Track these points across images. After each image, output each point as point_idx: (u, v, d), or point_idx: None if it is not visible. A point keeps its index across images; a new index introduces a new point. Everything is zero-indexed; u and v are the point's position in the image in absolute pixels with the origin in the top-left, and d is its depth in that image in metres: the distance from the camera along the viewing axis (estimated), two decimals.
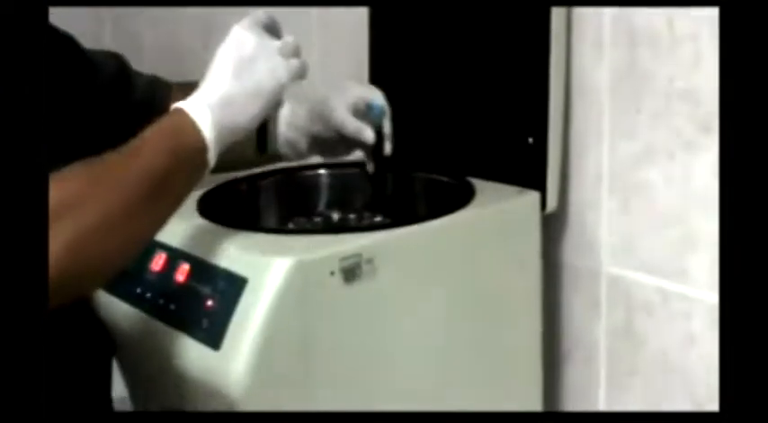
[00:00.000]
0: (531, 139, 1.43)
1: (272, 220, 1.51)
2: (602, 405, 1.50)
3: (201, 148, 1.16)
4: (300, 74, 1.25)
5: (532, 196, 1.43)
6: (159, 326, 1.27)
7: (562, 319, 1.52)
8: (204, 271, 1.25)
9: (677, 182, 1.35)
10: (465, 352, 1.38)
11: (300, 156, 1.46)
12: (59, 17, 1.35)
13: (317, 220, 1.50)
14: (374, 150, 1.44)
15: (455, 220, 1.35)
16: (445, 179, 1.49)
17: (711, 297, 1.33)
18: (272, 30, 1.28)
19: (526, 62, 1.43)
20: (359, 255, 1.24)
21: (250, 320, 1.18)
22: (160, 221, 1.15)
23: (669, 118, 1.35)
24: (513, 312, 1.43)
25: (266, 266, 1.20)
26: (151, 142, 1.15)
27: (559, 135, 1.44)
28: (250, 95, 1.21)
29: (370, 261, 1.25)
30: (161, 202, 1.14)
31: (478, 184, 1.44)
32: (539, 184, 1.43)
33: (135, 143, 1.13)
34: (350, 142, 1.44)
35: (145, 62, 1.62)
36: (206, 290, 1.24)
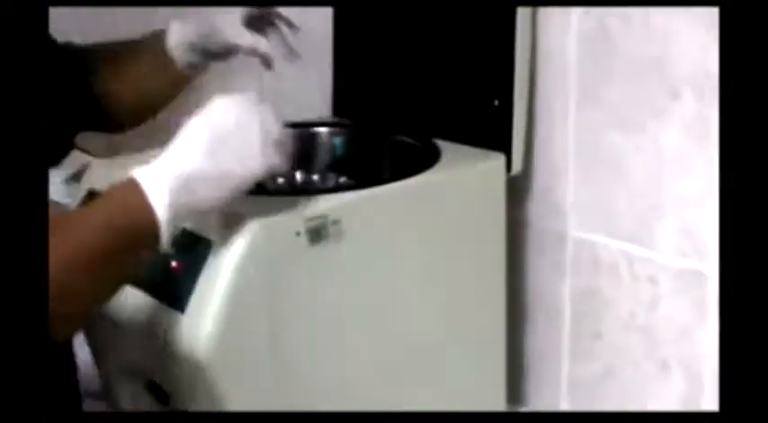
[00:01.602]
0: (496, 102, 1.43)
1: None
2: (566, 368, 1.50)
3: (154, 231, 1.07)
4: (278, 170, 1.17)
5: (498, 159, 1.42)
6: (124, 288, 1.25)
7: (527, 280, 1.53)
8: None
9: (644, 147, 1.34)
10: (430, 313, 1.38)
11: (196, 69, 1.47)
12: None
13: (281, 181, 1.49)
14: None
15: (421, 182, 1.34)
16: (411, 141, 1.48)
17: (677, 262, 1.34)
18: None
19: (492, 24, 1.42)
20: (325, 216, 1.23)
21: (216, 283, 1.17)
22: (101, 297, 1.11)
23: (637, 84, 1.34)
24: (477, 274, 1.43)
25: (232, 228, 1.18)
26: (100, 217, 1.07)
27: (525, 98, 1.43)
28: (215, 180, 1.11)
29: (336, 222, 1.24)
30: (103, 280, 1.08)
31: (444, 145, 1.43)
32: (504, 146, 1.42)
33: (84, 214, 1.10)
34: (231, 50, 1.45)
35: None
36: (171, 252, 1.20)
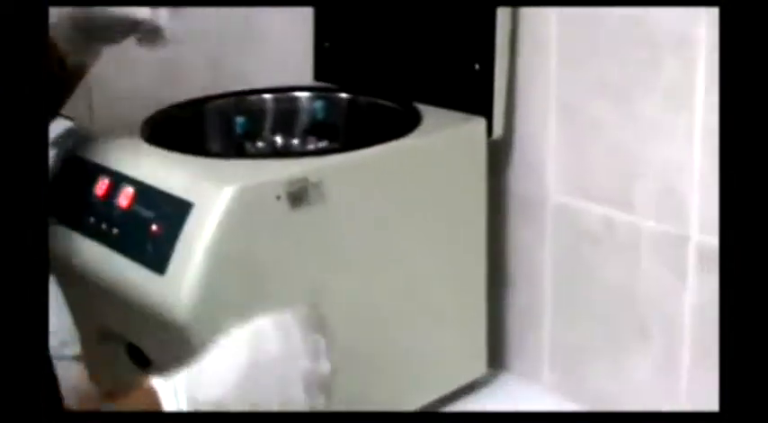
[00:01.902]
0: (477, 66, 1.42)
1: (217, 145, 1.49)
2: (548, 332, 1.51)
3: None
4: (321, 401, 1.02)
5: (478, 123, 1.42)
6: (104, 251, 1.26)
7: (508, 245, 1.53)
8: (148, 196, 1.24)
9: (625, 113, 1.35)
10: (411, 277, 1.38)
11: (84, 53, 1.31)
12: None
13: (262, 144, 1.49)
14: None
15: (402, 146, 1.34)
16: (392, 105, 1.48)
17: (656, 227, 1.34)
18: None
19: None
20: (305, 179, 1.23)
21: (195, 245, 1.17)
22: None
23: (618, 51, 1.34)
24: (459, 237, 1.43)
25: (212, 191, 1.19)
26: None
27: (506, 62, 1.43)
28: (247, 409, 0.98)
29: (317, 186, 1.24)
30: None
31: (425, 109, 1.43)
32: (485, 110, 1.42)
33: None
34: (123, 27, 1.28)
35: None
36: (150, 215, 1.23)
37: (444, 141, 1.40)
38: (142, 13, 1.25)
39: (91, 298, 1.33)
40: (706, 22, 1.23)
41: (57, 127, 2.01)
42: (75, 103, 2.19)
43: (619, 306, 1.41)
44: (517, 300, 1.54)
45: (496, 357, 1.54)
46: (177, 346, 1.18)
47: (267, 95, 1.54)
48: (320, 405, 1.00)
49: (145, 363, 1.31)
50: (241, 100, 1.53)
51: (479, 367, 1.50)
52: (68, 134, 1.44)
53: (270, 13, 1.73)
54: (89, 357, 1.43)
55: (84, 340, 1.42)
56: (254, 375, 0.98)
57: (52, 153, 1.43)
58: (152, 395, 0.95)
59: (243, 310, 1.18)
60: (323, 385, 1.01)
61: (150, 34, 1.28)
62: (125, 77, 2.24)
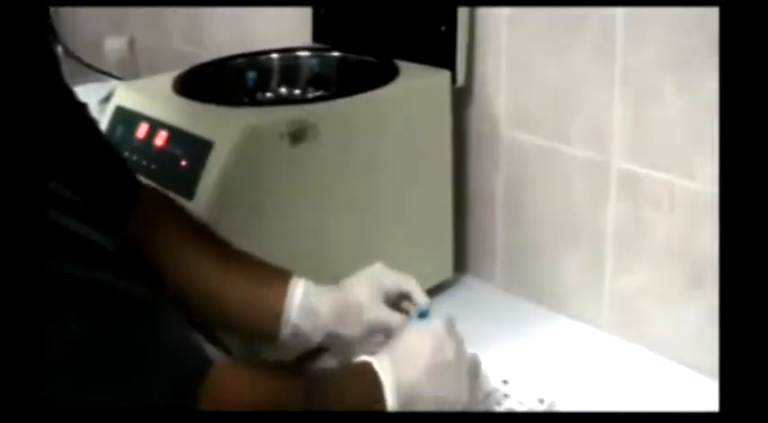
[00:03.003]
0: (443, 28, 1.43)
1: (234, 96, 1.50)
2: (500, 242, 1.53)
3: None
4: (475, 402, 1.05)
5: (444, 74, 1.43)
6: (144, 182, 1.26)
7: (469, 172, 1.54)
8: (179, 137, 1.26)
9: (563, 58, 1.35)
10: (391, 200, 1.40)
11: (305, 347, 1.16)
12: None
13: (269, 94, 1.50)
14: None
15: (382, 94, 1.35)
16: (374, 60, 1.49)
17: (587, 153, 1.35)
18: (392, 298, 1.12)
19: None
20: (304, 120, 1.24)
21: (216, 175, 1.19)
22: None
23: (555, 14, 1.35)
24: (429, 166, 1.45)
25: (227, 131, 1.20)
26: (337, 398, 0.94)
27: (466, 24, 1.43)
28: (433, 403, 0.98)
29: (313, 126, 1.25)
30: None
31: (401, 64, 1.44)
32: (449, 64, 1.43)
33: (332, 397, 0.93)
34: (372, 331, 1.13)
35: None
36: (180, 152, 1.24)
37: (417, 89, 1.41)
38: (395, 321, 1.11)
39: None
40: None
41: (107, 85, 2.04)
42: (127, 67, 2.21)
43: (556, 218, 1.43)
44: (476, 216, 1.55)
45: (459, 263, 1.56)
46: None
47: (274, 55, 1.55)
48: (479, 400, 1.07)
49: None
50: (252, 59, 1.53)
51: (447, 271, 1.52)
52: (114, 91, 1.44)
53: None
54: None
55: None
56: (436, 373, 0.99)
57: (104, 107, 1.44)
58: (370, 366, 0.97)
59: (253, 225, 1.22)
60: (477, 373, 1.07)
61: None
62: (163, 44, 2.26)
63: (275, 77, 1.53)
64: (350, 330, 1.11)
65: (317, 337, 1.12)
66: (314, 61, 1.53)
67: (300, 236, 1.28)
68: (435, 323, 1.04)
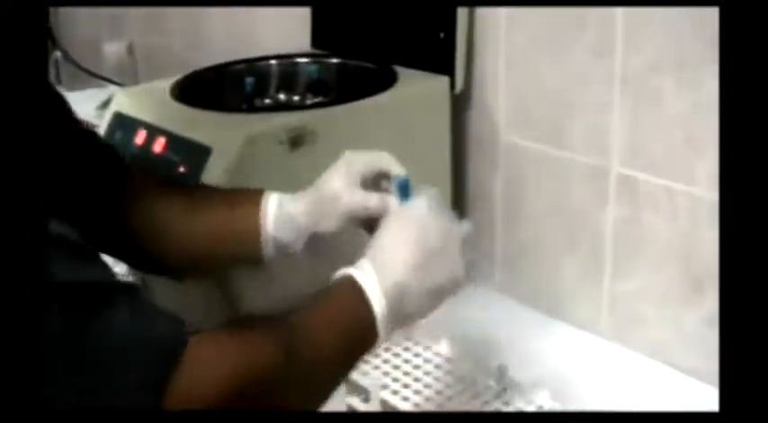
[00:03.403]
0: (442, 34, 1.44)
1: (232, 102, 1.50)
2: (499, 246, 1.53)
3: (374, 344, 0.92)
4: (471, 274, 0.99)
5: (443, 80, 1.44)
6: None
7: (468, 175, 1.54)
8: (177, 143, 1.26)
9: (561, 63, 1.35)
10: None
11: (290, 254, 1.10)
12: None
13: (268, 100, 1.50)
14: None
15: (381, 100, 1.36)
16: (373, 66, 1.49)
17: (585, 158, 1.35)
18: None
19: None
20: (303, 127, 1.24)
21: (214, 182, 1.19)
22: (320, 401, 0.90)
23: (550, 14, 1.35)
24: (428, 175, 1.39)
25: (226, 138, 1.21)
26: (328, 335, 0.89)
27: (465, 30, 1.44)
28: (427, 294, 0.94)
29: (312, 132, 1.25)
30: (334, 382, 0.92)
31: (400, 70, 1.45)
32: (448, 70, 1.44)
33: (313, 326, 0.88)
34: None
35: None
36: (178, 158, 1.25)
37: (416, 96, 1.42)
38: (372, 201, 1.05)
39: None
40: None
41: (106, 91, 2.04)
42: (126, 72, 2.21)
43: (554, 221, 1.43)
44: (474, 221, 1.49)
45: None
46: None
47: (272, 61, 1.55)
48: (472, 263, 0.98)
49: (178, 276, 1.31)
50: (251, 65, 1.54)
51: None
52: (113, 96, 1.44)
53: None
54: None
55: None
56: (425, 263, 0.93)
57: (101, 113, 1.44)
58: (351, 279, 0.92)
59: None
60: (469, 243, 1.00)
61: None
62: (162, 49, 2.27)
63: (274, 83, 1.54)
64: (329, 224, 1.07)
65: (299, 245, 1.08)
66: (313, 67, 1.53)
67: None
68: (416, 206, 0.98)
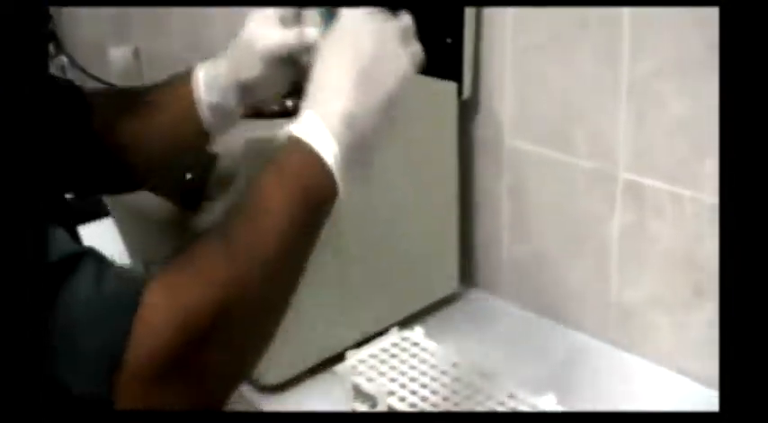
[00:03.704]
0: (449, 40, 1.44)
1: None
2: (505, 254, 1.53)
3: (333, 193, 0.87)
4: (420, 62, 0.96)
5: (451, 86, 1.44)
6: (148, 195, 1.28)
7: (474, 180, 1.54)
8: None
9: (568, 68, 1.36)
10: (399, 207, 1.40)
11: (231, 120, 1.12)
12: None
13: (275, 106, 1.50)
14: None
15: None
16: None
17: (591, 163, 1.36)
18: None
19: None
20: None
21: (220, 189, 1.21)
22: (300, 271, 0.87)
23: (555, 18, 1.36)
24: (435, 181, 1.45)
25: (232, 143, 1.21)
26: (280, 195, 0.83)
27: (472, 36, 1.44)
28: (376, 111, 0.89)
29: None
30: (295, 261, 0.86)
31: None
32: (456, 76, 1.44)
33: (261, 195, 0.83)
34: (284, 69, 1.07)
35: None
36: (185, 165, 1.25)
37: (424, 102, 1.41)
38: (310, 34, 1.02)
39: (142, 233, 1.36)
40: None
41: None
42: (133, 78, 2.20)
43: (560, 227, 1.43)
44: (481, 228, 1.56)
45: (465, 275, 1.56)
46: None
47: None
48: (417, 54, 0.95)
49: None
50: None
51: (452, 284, 1.52)
52: None
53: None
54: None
55: (136, 263, 1.47)
56: (366, 78, 0.88)
57: None
58: (298, 143, 0.86)
59: None
60: (410, 34, 0.96)
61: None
62: (167, 53, 2.27)
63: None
64: (251, 71, 1.05)
65: (233, 102, 1.07)
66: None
67: None
68: (339, 24, 0.91)
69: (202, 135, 1.10)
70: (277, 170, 0.85)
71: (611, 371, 1.35)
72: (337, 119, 0.86)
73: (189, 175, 1.24)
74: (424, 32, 1.44)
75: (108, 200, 1.42)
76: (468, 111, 1.50)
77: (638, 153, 1.30)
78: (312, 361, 1.34)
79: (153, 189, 1.23)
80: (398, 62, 0.91)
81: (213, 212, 1.19)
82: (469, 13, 1.42)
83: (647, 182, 1.29)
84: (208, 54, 1.11)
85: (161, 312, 0.74)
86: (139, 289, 0.75)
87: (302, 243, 0.85)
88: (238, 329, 0.79)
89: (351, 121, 0.87)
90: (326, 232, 1.26)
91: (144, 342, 0.73)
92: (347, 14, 0.92)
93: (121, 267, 0.79)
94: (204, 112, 1.08)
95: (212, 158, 1.22)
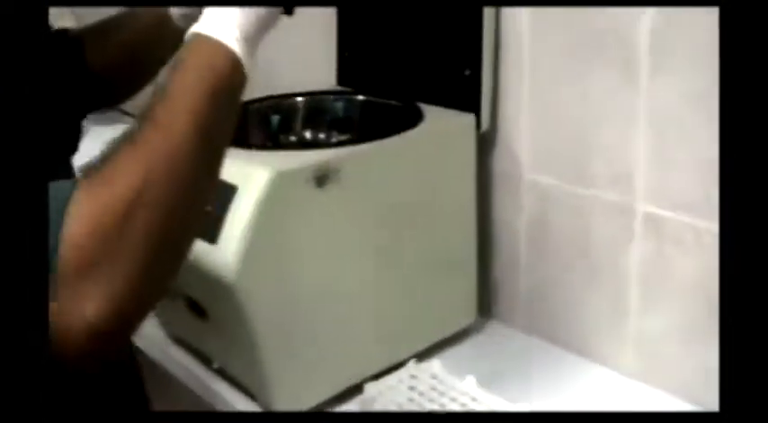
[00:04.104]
0: (467, 71, 1.45)
1: (258, 138, 1.51)
2: (523, 285, 1.54)
3: (242, 78, 0.91)
4: None
5: (469, 118, 1.44)
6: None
7: (492, 213, 1.55)
8: None
9: (583, 99, 1.37)
10: (416, 241, 1.41)
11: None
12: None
13: (294, 138, 1.51)
14: None
15: (406, 138, 1.36)
16: (398, 104, 1.50)
17: (610, 195, 1.36)
18: None
19: (464, 10, 1.45)
20: (328, 165, 1.25)
21: (240, 220, 1.20)
22: (216, 166, 0.90)
23: (572, 48, 1.36)
24: (454, 210, 1.46)
25: (252, 176, 1.21)
26: (190, 78, 0.86)
27: (491, 68, 1.45)
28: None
29: (337, 171, 1.26)
30: (214, 143, 0.88)
31: (426, 108, 1.46)
32: (474, 108, 1.45)
33: (171, 82, 0.86)
34: None
35: None
36: None
37: (441, 134, 1.42)
38: None
39: None
40: (647, 30, 1.26)
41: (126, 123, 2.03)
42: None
43: (576, 257, 1.44)
44: (499, 259, 1.56)
45: (483, 307, 1.56)
46: (226, 299, 1.23)
47: (299, 98, 1.56)
48: None
49: (201, 313, 1.35)
50: (277, 101, 1.55)
51: (470, 315, 1.53)
52: None
53: (303, 32, 1.76)
54: (157, 311, 1.47)
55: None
56: None
57: None
58: (200, 36, 0.90)
59: (277, 270, 1.23)
60: None
61: None
62: None
63: (299, 120, 1.55)
64: None
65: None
66: (338, 105, 1.54)
67: (324, 279, 1.29)
68: None
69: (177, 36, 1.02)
70: (183, 61, 0.88)
71: (630, 403, 1.35)
72: (233, 10, 0.91)
73: None
74: (443, 64, 1.48)
75: None
76: (486, 143, 1.51)
77: (657, 184, 1.30)
78: (330, 392, 1.34)
79: None
80: None
81: (232, 245, 1.20)
82: (488, 44, 1.44)
83: (667, 214, 1.29)
84: None
85: (83, 209, 0.77)
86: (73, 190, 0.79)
87: (215, 126, 0.87)
88: (154, 221, 0.80)
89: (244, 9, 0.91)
90: (340, 266, 1.30)
91: (67, 239, 0.76)
92: None
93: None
94: (176, 17, 1.21)
95: (231, 190, 1.22)
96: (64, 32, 1.26)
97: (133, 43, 1.25)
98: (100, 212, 0.77)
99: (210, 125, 0.86)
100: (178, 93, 0.85)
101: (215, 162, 0.89)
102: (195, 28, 0.90)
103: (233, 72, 0.90)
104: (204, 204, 0.90)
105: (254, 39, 0.93)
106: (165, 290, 0.86)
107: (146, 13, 1.24)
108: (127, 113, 2.26)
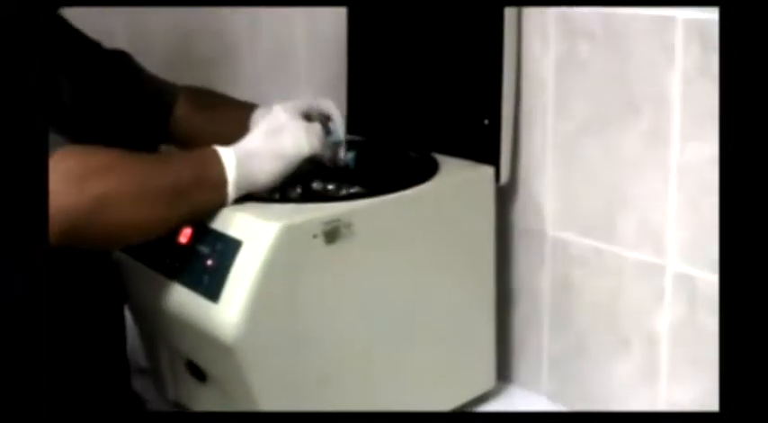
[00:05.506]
0: (486, 121, 1.43)
1: (263, 191, 1.47)
2: (546, 348, 1.51)
3: (222, 181, 1.21)
4: (318, 147, 1.30)
5: (488, 170, 1.42)
6: (166, 281, 1.27)
7: (513, 272, 1.53)
8: (204, 234, 1.24)
9: (612, 153, 1.35)
10: (430, 301, 1.38)
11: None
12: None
13: (299, 190, 1.48)
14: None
15: (422, 191, 1.34)
16: (413, 155, 1.48)
17: (636, 255, 1.34)
18: (309, 116, 1.35)
19: (483, 56, 1.42)
20: (339, 220, 1.23)
21: (244, 277, 1.18)
22: (171, 221, 1.21)
23: (601, 99, 1.35)
24: (471, 268, 1.43)
25: (258, 230, 1.19)
26: (178, 159, 1.23)
27: (511, 117, 1.43)
28: (272, 155, 1.25)
29: (348, 225, 1.24)
30: (177, 206, 1.19)
31: (442, 159, 1.43)
32: (493, 159, 1.42)
33: (163, 155, 1.23)
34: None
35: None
36: (206, 250, 1.23)
37: (458, 187, 1.40)
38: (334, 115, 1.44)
39: (156, 323, 1.35)
40: (679, 81, 1.24)
41: None
42: None
43: (604, 324, 1.41)
44: (520, 320, 1.54)
45: (503, 371, 1.54)
46: (228, 362, 1.20)
47: None
48: (316, 145, 1.30)
49: (201, 377, 1.32)
50: None
51: (489, 380, 1.50)
52: None
53: (313, 76, 1.75)
54: (155, 371, 1.45)
55: (151, 357, 1.45)
56: (272, 133, 1.26)
57: None
58: (210, 149, 1.22)
59: (284, 333, 1.21)
60: (316, 135, 1.31)
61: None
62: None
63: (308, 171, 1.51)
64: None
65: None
66: (349, 155, 1.51)
67: (333, 342, 1.27)
68: (274, 107, 1.31)
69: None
70: (185, 154, 1.28)
71: None
72: (243, 149, 1.25)
73: None
74: (460, 113, 1.46)
75: None
76: (506, 196, 1.48)
77: (689, 243, 1.27)
78: None
79: None
80: (298, 137, 1.28)
81: (236, 302, 1.17)
82: (508, 93, 1.41)
83: (699, 274, 1.26)
84: None
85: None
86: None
87: (184, 197, 1.20)
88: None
89: (251, 153, 1.25)
90: (350, 327, 1.27)
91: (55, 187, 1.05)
92: (277, 107, 1.32)
93: None
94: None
95: (236, 244, 1.20)
96: (159, 91, 1.53)
97: (216, 138, 1.32)
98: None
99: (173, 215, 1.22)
100: (173, 161, 1.25)
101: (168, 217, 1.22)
102: (230, 148, 1.24)
103: (218, 198, 1.23)
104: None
105: (245, 189, 1.25)
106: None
107: (235, 107, 1.55)
108: None
